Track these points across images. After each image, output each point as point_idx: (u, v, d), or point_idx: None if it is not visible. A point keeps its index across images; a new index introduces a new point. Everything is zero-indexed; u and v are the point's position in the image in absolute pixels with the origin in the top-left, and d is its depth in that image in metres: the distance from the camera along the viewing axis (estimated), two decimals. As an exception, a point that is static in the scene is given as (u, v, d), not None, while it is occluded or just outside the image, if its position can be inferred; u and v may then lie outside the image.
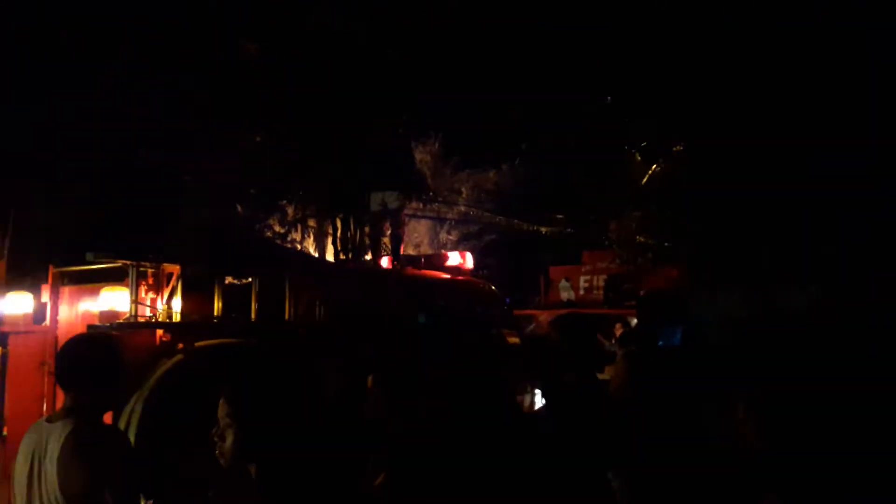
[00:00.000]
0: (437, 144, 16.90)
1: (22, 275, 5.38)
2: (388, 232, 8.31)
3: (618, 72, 13.65)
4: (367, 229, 10.09)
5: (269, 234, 14.08)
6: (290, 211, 14.68)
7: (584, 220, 15.21)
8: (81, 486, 2.53)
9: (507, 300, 12.93)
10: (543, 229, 16.20)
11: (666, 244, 13.42)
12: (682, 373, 3.70)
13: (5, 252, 7.75)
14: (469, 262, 7.77)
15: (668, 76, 13.06)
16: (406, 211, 16.33)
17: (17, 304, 5.42)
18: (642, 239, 13.70)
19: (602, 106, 14.34)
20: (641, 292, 9.78)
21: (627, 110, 13.90)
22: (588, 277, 11.65)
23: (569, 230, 15.75)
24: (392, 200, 7.83)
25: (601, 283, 11.53)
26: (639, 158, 14.81)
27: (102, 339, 2.94)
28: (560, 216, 15.97)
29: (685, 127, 13.57)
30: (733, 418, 2.42)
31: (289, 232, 14.60)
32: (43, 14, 9.66)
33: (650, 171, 14.65)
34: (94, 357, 2.75)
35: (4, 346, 5.33)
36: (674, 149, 14.13)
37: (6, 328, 5.37)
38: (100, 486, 2.52)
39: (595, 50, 13.72)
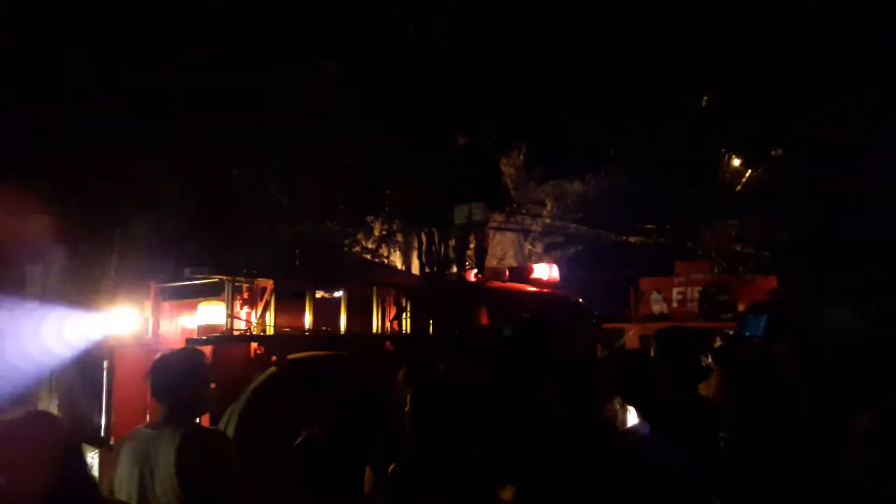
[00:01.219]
0: (520, 156, 16.97)
1: (126, 291, 5.73)
2: (473, 245, 8.37)
3: (712, 71, 13.33)
4: (451, 242, 10.20)
5: (357, 248, 14.47)
6: (376, 226, 15.07)
7: (676, 228, 14.88)
8: (206, 478, 2.78)
9: (596, 313, 12.80)
10: (632, 239, 15.94)
11: (765, 253, 12.94)
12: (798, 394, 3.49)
13: (113, 270, 8.32)
14: (555, 273, 7.74)
15: (765, 75, 12.66)
16: (490, 224, 16.46)
17: (122, 319, 5.79)
18: (740, 248, 13.27)
19: (695, 108, 14.03)
20: (740, 305, 9.46)
21: (723, 111, 13.54)
22: (681, 289, 11.32)
23: (660, 240, 15.42)
24: (477, 213, 7.88)
25: (695, 295, 11.20)
26: (735, 163, 14.38)
27: (188, 352, 3.27)
28: (650, 226, 15.68)
29: (785, 129, 13.10)
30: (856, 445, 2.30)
31: (378, 247, 14.96)
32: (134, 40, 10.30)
33: (746, 177, 14.19)
34: (181, 369, 3.05)
35: (111, 360, 5.67)
36: (773, 153, 13.64)
37: (113, 342, 5.73)
38: (220, 476, 2.76)
39: (687, 49, 13.46)
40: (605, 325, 9.77)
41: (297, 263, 9.86)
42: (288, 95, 11.60)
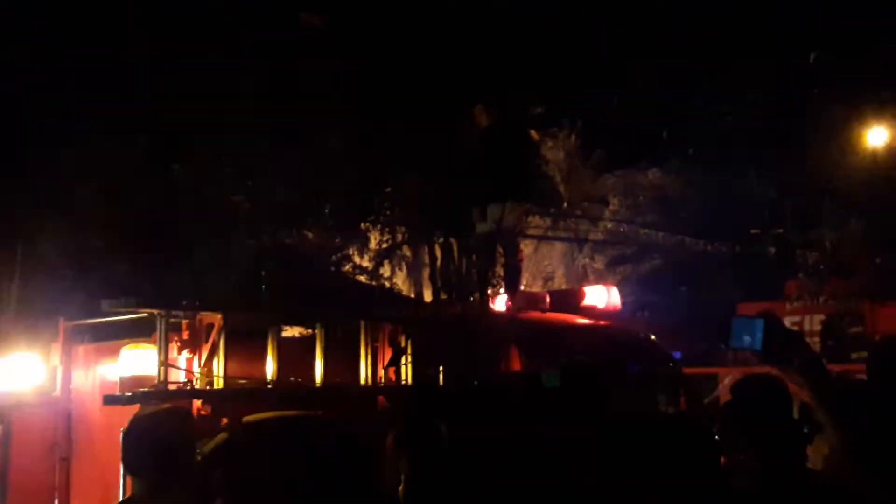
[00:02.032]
0: (572, 138, 17.01)
1: (27, 331, 5.85)
2: (502, 260, 8.41)
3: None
4: (473, 257, 10.25)
5: (347, 267, 14.58)
6: (373, 237, 15.18)
7: (789, 235, 14.81)
8: None
9: (677, 355, 12.74)
10: (731, 249, 15.90)
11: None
12: None
13: (13, 300, 8.45)
14: (614, 299, 7.73)
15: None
16: (529, 230, 16.48)
17: (22, 369, 5.86)
18: (878, 262, 13.17)
19: (804, 69, 13.97)
20: (877, 337, 9.39)
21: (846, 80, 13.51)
22: (797, 318, 11.26)
23: (769, 250, 15.36)
24: (506, 216, 7.91)
25: (817, 327, 11.12)
26: (868, 141, 14.30)
27: (172, 414, 3.55)
28: (754, 231, 15.60)
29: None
30: None
31: (377, 265, 15.08)
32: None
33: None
34: (167, 435, 3.21)
35: (7, 425, 5.73)
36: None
37: (9, 400, 5.80)
38: None
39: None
40: (690, 371, 9.72)
41: (264, 289, 9.96)
42: (250, 61, 11.71)
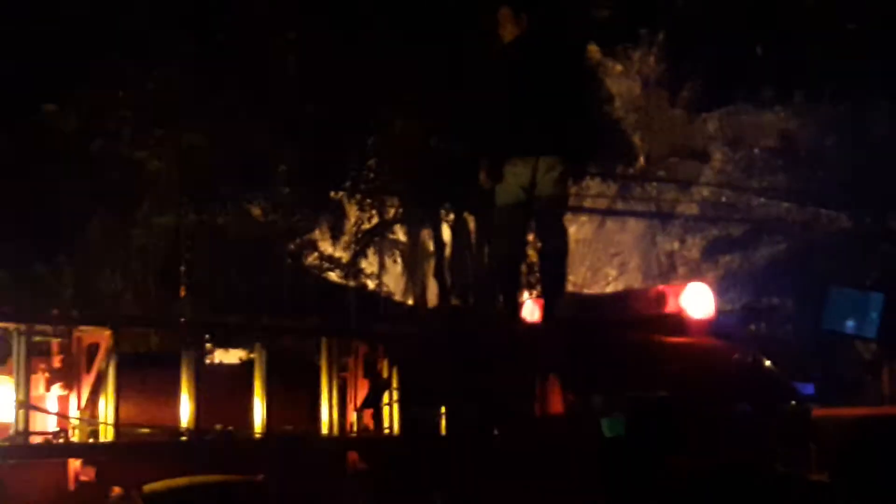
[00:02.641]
0: (652, 59, 16.95)
1: None
2: (539, 246, 8.42)
3: None
4: (485, 244, 10.31)
5: (312, 258, 14.63)
6: (350, 213, 15.20)
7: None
8: None
9: (808, 389, 12.73)
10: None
11: None
12: None
13: None
14: (707, 303, 7.77)
15: None
16: (586, 200, 16.45)
17: None
18: None
19: None
20: None
21: None
22: None
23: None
24: (543, 180, 7.88)
25: None
26: None
27: None
28: None
29: None
30: None
31: (357, 253, 15.11)
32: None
33: None
34: None
35: None
36: None
37: None
38: None
39: None
40: (824, 413, 9.73)
41: (183, 292, 10.04)
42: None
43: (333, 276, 14.86)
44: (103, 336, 5.50)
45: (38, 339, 5.43)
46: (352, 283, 14.89)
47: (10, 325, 5.32)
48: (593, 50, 15.17)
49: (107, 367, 5.48)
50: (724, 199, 16.96)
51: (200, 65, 11.87)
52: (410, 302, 15.25)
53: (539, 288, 8.47)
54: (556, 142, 7.81)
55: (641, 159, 17.14)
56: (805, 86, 16.38)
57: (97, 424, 5.49)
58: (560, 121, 7.86)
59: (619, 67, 16.43)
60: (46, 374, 5.54)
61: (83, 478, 5.33)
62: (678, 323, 7.71)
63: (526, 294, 9.60)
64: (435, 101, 13.22)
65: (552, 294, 7.85)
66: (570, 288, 16.37)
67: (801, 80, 16.20)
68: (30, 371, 5.33)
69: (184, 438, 5.67)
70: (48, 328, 5.50)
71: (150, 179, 11.62)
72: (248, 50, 12.36)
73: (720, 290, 16.41)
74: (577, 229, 17.39)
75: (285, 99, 12.85)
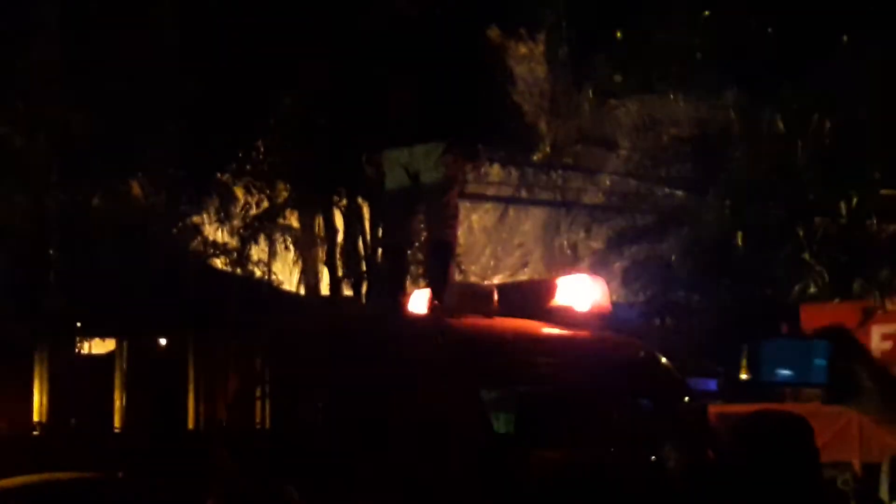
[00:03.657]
0: (559, 43, 17.06)
1: None
2: (424, 236, 8.44)
3: None
4: (379, 230, 10.36)
5: (195, 243, 14.53)
6: (239, 196, 15.13)
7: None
8: None
9: (711, 385, 12.90)
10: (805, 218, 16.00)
11: None
12: None
13: None
14: (598, 294, 7.81)
15: None
16: (490, 189, 16.54)
17: None
18: None
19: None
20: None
21: None
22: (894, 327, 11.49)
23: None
24: (427, 166, 7.88)
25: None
26: None
27: None
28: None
29: None
30: None
31: (248, 240, 15.03)
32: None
33: None
34: None
35: None
36: None
37: None
38: None
39: None
40: (720, 409, 9.86)
41: (49, 278, 9.93)
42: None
43: (219, 262, 14.77)
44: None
45: None
46: (238, 271, 14.81)
47: None
48: (495, 31, 15.20)
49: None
50: (631, 188, 17.19)
51: (70, 34, 11.76)
52: (302, 291, 15.23)
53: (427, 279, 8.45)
54: (437, 126, 7.81)
55: (546, 146, 17.27)
56: (717, 71, 16.55)
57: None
58: (445, 104, 7.86)
59: (522, 49, 16.55)
60: None
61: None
62: (568, 315, 7.75)
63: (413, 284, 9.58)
64: (323, 78, 13.23)
65: (437, 285, 7.86)
66: (472, 278, 16.56)
67: (711, 66, 16.38)
68: None
69: (35, 433, 5.65)
70: None
71: (14, 156, 11.51)
72: (125, 19, 12.27)
73: (626, 282, 16.64)
74: (479, 217, 17.56)
75: (164, 64, 12.78)
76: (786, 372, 3.61)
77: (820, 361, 3.53)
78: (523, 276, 16.74)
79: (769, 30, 15.25)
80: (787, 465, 3.80)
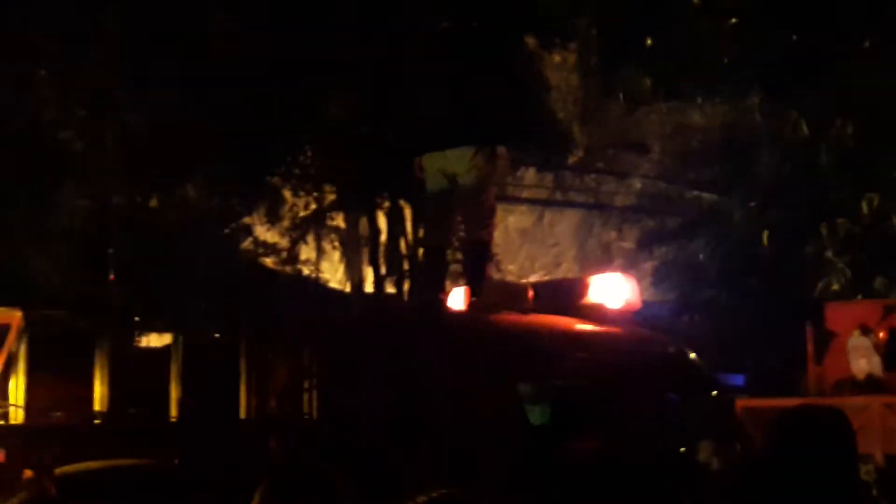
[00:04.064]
0: (591, 52, 16.99)
1: None
2: (461, 234, 8.43)
3: None
4: (420, 231, 10.38)
5: (247, 243, 14.57)
6: (287, 198, 15.15)
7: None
8: None
9: (738, 380, 12.84)
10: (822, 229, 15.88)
11: None
12: None
13: None
14: (630, 293, 7.78)
15: None
16: (525, 191, 16.49)
17: None
18: None
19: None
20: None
21: None
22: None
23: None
24: (461, 168, 7.88)
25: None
26: None
27: None
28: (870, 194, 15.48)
29: None
30: None
31: (297, 241, 15.07)
32: None
33: None
34: None
35: None
36: None
37: None
38: None
39: None
40: (748, 403, 9.81)
41: (111, 279, 9.98)
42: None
43: (268, 261, 14.83)
44: (14, 317, 5.48)
45: (-54, 318, 5.42)
46: (287, 270, 14.86)
47: None
48: (530, 41, 15.18)
49: (17, 348, 5.46)
50: (660, 191, 17.13)
51: (132, 47, 11.80)
52: (347, 289, 15.25)
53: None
54: (474, 131, 7.82)
55: (580, 150, 17.23)
56: (743, 77, 16.45)
57: (6, 406, 5.47)
58: (483, 110, 7.86)
59: (556, 58, 16.49)
60: (-45, 355, 5.52)
61: (-7, 459, 5.33)
62: (600, 312, 7.73)
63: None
64: (369, 88, 13.24)
65: (473, 283, 7.85)
66: (509, 277, 16.54)
67: (737, 72, 16.27)
68: (-63, 351, 5.33)
69: (96, 422, 5.66)
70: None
71: (75, 161, 11.56)
72: (183, 33, 12.31)
73: (656, 281, 16.57)
74: (515, 219, 17.54)
75: (218, 80, 12.81)
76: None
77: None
78: (558, 275, 16.66)
79: (793, 37, 15.13)
80: (829, 460, 3.76)
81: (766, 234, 15.83)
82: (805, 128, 15.35)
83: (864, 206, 15.07)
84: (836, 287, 14.88)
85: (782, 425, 3.83)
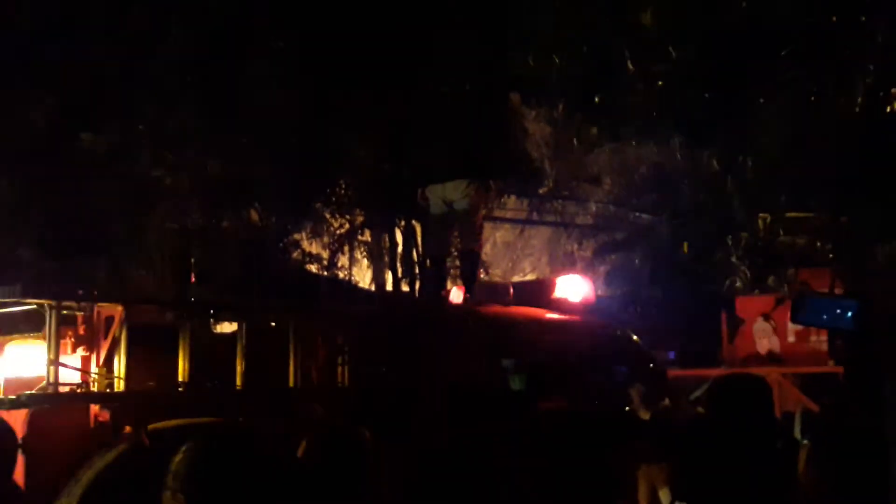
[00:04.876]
0: (560, 108, 16.95)
1: None
2: (458, 247, 8.43)
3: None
4: (427, 245, 10.34)
5: (296, 254, 14.53)
6: (328, 219, 15.12)
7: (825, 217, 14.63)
8: None
9: (671, 355, 12.79)
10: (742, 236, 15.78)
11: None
12: None
13: None
14: (584, 289, 7.76)
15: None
16: (508, 213, 16.44)
17: None
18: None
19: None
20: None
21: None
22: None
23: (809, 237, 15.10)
24: (456, 195, 7.87)
25: (826, 323, 11.16)
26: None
27: None
28: (806, 214, 15.20)
29: None
30: None
31: (335, 251, 15.03)
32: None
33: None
34: None
35: None
36: None
37: None
38: None
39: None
40: (677, 373, 9.80)
41: (194, 279, 9.92)
42: (174, 9, 11.57)
43: (312, 268, 14.79)
44: (117, 311, 5.43)
45: (66, 311, 5.34)
46: (326, 274, 14.82)
47: (44, 301, 5.24)
48: (514, 98, 15.20)
49: (120, 334, 5.41)
50: (610, 210, 17.14)
51: (206, 103, 11.76)
52: (373, 288, 15.24)
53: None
54: (468, 167, 7.84)
55: (550, 181, 17.18)
56: (668, 125, 16.41)
57: (112, 378, 5.42)
58: (475, 151, 7.88)
59: (532, 112, 16.46)
60: (72, 339, 5.47)
61: (100, 419, 5.25)
62: (564, 305, 7.73)
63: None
64: (388, 137, 13.25)
65: (468, 283, 7.84)
66: (495, 279, 16.49)
67: (664, 121, 16.23)
68: (59, 337, 5.24)
69: (181, 390, 5.60)
70: (74, 304, 5.42)
71: (165, 192, 11.56)
72: (245, 93, 12.26)
73: (607, 282, 16.59)
74: (500, 234, 17.47)
75: (274, 130, 12.78)
76: (824, 318, 3.55)
77: (849, 314, 3.46)
78: (533, 277, 16.65)
79: (706, 95, 15.09)
80: (757, 412, 3.73)
81: (686, 245, 15.97)
82: (715, 164, 15.37)
83: (760, 223, 15.25)
84: (739, 285, 15.13)
85: (719, 387, 3.82)
